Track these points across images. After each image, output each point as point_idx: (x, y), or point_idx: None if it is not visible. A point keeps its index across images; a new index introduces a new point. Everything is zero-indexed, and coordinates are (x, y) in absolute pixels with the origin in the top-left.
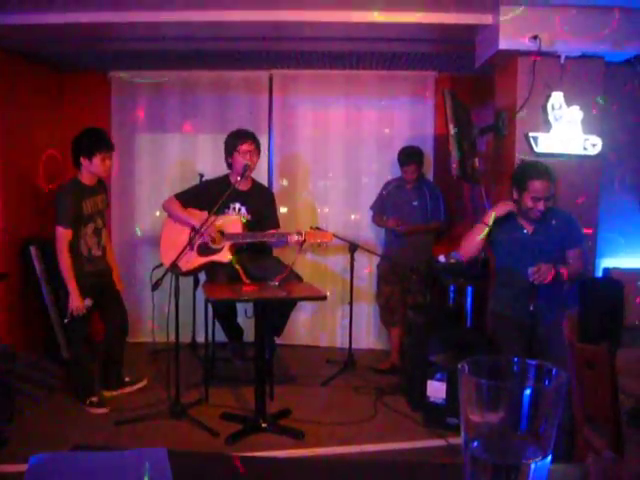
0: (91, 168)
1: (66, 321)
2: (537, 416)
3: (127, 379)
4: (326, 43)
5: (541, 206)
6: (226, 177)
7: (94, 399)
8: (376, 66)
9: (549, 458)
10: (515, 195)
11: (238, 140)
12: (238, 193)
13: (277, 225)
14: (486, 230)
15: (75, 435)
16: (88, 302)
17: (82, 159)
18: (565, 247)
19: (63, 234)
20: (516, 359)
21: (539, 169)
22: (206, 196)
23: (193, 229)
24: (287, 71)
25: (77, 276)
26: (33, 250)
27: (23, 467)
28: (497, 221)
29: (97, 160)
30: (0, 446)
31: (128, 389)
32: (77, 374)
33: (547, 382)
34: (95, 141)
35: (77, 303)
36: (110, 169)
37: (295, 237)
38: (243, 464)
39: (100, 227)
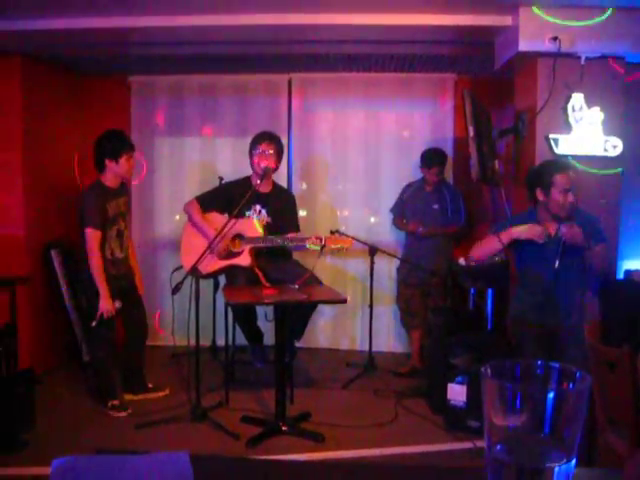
0: (117, 169)
1: (94, 324)
2: (561, 419)
3: (150, 385)
4: (345, 46)
5: (571, 198)
6: (248, 179)
7: (115, 402)
8: (395, 69)
9: (573, 461)
10: (541, 196)
11: (254, 142)
12: (259, 195)
13: (297, 228)
14: (499, 247)
15: (96, 439)
16: (118, 304)
17: (108, 161)
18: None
19: (93, 235)
20: (539, 362)
21: (559, 162)
22: (227, 198)
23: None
24: (306, 74)
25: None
26: (54, 254)
27: (44, 470)
28: (517, 223)
29: (123, 160)
30: (20, 448)
31: (150, 395)
32: (99, 377)
33: (571, 385)
34: (120, 142)
35: (108, 306)
36: (133, 169)
37: (315, 242)
38: None
39: (122, 229)
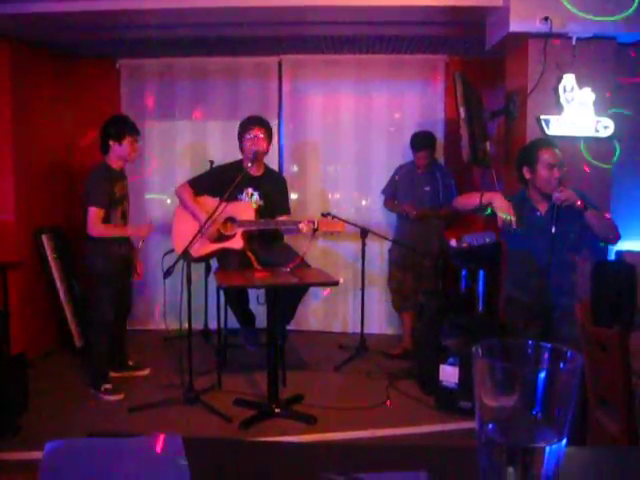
0: (120, 151)
1: (141, 244)
2: (552, 399)
3: (130, 363)
4: (335, 27)
5: (557, 173)
6: (239, 162)
7: (108, 386)
8: (386, 50)
9: (564, 441)
10: (528, 174)
11: (244, 126)
12: (251, 178)
13: (288, 212)
14: (477, 202)
15: (89, 422)
16: (149, 223)
17: (112, 142)
18: (581, 227)
19: (96, 213)
20: (530, 342)
21: (544, 139)
22: (219, 181)
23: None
24: (296, 56)
25: (107, 259)
26: (45, 239)
27: (37, 454)
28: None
29: (126, 143)
30: (13, 434)
31: (131, 373)
32: (94, 361)
33: (562, 365)
34: (123, 125)
35: (142, 229)
36: (137, 153)
37: (307, 225)
38: None
39: (126, 211)
